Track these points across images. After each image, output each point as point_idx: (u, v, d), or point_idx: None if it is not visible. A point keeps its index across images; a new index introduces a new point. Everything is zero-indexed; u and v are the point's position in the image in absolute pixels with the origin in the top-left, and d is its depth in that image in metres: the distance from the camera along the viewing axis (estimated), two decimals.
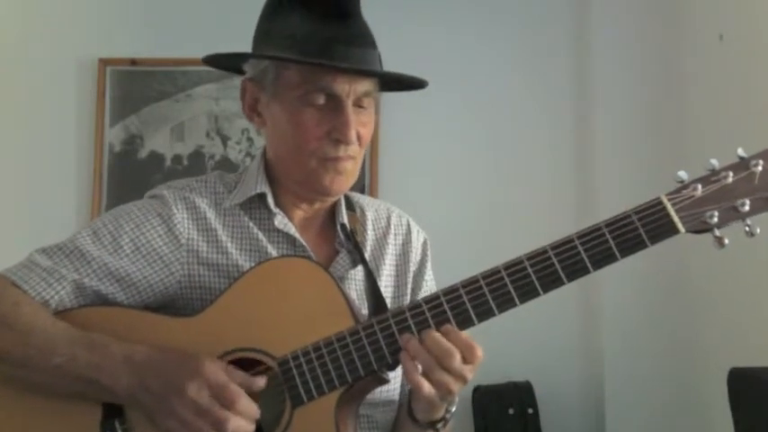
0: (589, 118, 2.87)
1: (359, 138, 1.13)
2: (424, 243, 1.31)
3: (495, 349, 1.17)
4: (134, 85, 2.95)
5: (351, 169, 1.14)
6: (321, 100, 1.10)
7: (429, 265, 1.30)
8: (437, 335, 0.98)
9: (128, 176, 2.91)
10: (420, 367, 0.97)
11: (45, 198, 2.87)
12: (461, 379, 0.98)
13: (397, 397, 1.21)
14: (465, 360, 0.97)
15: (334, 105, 1.10)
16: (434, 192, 2.82)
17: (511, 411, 2.60)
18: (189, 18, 2.95)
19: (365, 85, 1.12)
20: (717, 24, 2.37)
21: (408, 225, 1.30)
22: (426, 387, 0.97)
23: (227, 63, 1.22)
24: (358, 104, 1.12)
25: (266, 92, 1.15)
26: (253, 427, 0.98)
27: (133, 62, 2.94)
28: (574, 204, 2.84)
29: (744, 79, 2.22)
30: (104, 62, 2.94)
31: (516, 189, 2.89)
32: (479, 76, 2.91)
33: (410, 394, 1.10)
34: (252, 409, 0.98)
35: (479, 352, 0.98)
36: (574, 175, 2.90)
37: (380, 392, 1.15)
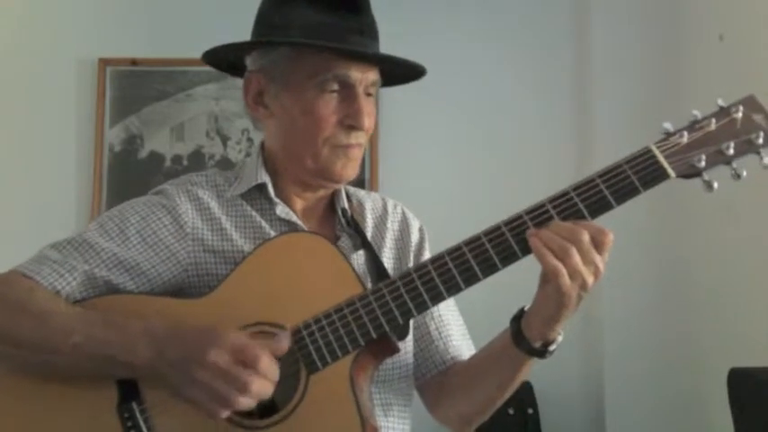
0: (589, 118, 2.87)
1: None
2: (420, 228, 1.35)
3: None
4: (134, 85, 2.95)
5: (359, 156, 1.19)
6: (335, 87, 1.14)
7: (427, 246, 1.33)
8: (562, 222, 0.99)
9: (128, 176, 2.91)
10: (552, 253, 0.96)
11: (45, 198, 2.87)
12: (593, 265, 0.97)
13: (410, 373, 1.23)
14: (595, 243, 0.97)
15: (347, 94, 1.14)
16: (433, 190, 2.82)
17: (511, 411, 2.60)
18: (189, 18, 2.95)
19: (374, 75, 1.17)
20: (717, 24, 2.37)
21: (403, 212, 1.35)
22: (564, 273, 0.96)
23: (229, 56, 1.23)
24: (366, 93, 1.17)
25: (276, 82, 1.17)
26: (272, 388, 0.97)
27: (133, 62, 2.94)
28: None
29: (744, 79, 2.22)
30: (104, 62, 2.94)
31: (516, 189, 2.88)
32: (478, 75, 2.91)
33: (526, 314, 1.07)
34: (273, 369, 0.97)
35: (611, 236, 0.98)
36: (574, 175, 2.89)
37: (393, 368, 1.17)
